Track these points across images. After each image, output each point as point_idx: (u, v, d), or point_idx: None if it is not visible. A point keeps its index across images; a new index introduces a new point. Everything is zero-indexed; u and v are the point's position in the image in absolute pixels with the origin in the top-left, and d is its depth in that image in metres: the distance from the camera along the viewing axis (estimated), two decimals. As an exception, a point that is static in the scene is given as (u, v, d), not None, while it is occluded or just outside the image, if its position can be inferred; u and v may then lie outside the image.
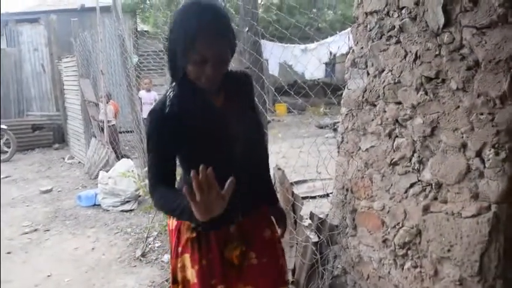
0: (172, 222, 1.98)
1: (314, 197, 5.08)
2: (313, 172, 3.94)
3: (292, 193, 3.11)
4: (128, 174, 5.67)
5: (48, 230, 5.43)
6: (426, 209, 2.28)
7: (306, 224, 2.96)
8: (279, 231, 2.17)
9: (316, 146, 3.24)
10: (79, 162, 9.47)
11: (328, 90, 3.20)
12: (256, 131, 2.02)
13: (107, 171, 6.34)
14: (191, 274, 1.90)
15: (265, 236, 2.06)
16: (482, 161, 2.04)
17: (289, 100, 8.40)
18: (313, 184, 5.40)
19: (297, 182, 5.36)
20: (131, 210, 5.85)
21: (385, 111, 2.46)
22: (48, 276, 4.15)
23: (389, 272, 2.54)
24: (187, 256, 1.91)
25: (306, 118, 13.47)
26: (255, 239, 1.99)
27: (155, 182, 1.79)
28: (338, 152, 2.83)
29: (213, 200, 1.43)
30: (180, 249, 1.93)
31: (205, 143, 1.76)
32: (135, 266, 4.22)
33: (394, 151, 2.43)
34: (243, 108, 1.93)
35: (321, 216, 2.93)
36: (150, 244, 4.54)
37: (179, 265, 1.94)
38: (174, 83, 1.80)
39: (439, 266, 2.25)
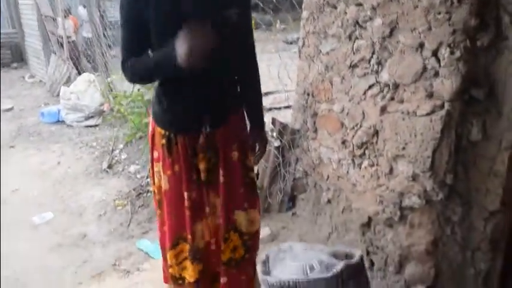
0: (149, 129, 1.99)
1: (279, 108, 5.13)
2: (279, 84, 3.97)
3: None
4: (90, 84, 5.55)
5: (12, 147, 5.38)
6: (383, 110, 2.33)
7: (268, 129, 3.01)
8: (254, 157, 2.12)
9: (282, 60, 3.23)
10: (40, 80, 9.21)
11: (296, 4, 3.14)
12: (243, 25, 1.88)
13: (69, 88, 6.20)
14: (164, 180, 1.92)
15: (232, 157, 1.95)
16: (438, 61, 2.08)
17: (257, 16, 8.20)
18: (279, 96, 5.43)
19: (264, 94, 5.37)
20: (96, 126, 5.81)
21: (345, 13, 2.44)
22: (16, 190, 4.17)
23: (347, 172, 2.64)
24: (160, 164, 1.93)
25: (273, 34, 13.22)
26: (222, 157, 1.93)
27: (127, 56, 1.75)
28: (299, 56, 2.83)
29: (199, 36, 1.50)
30: (155, 153, 1.95)
31: (176, 20, 1.64)
32: (102, 177, 4.27)
33: (353, 53, 2.44)
34: None
35: (282, 121, 2.97)
36: (116, 156, 4.56)
37: (156, 169, 1.97)
38: None
39: (394, 163, 2.35)
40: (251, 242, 1.96)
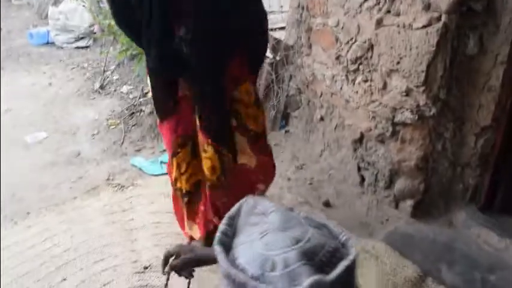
0: None
1: (274, 29, 5.03)
2: (275, 5, 3.86)
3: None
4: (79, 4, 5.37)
5: (2, 69, 5.27)
6: (379, 23, 2.28)
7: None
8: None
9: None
10: (28, 3, 8.89)
11: None
12: None
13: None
14: None
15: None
16: (436, -30, 2.01)
17: None
18: (274, 16, 5.30)
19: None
20: (86, 47, 5.67)
21: None
22: (7, 110, 4.13)
23: (341, 88, 2.62)
24: None
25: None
26: None
27: None
28: (294, -32, 2.73)
29: None
30: None
31: None
32: (94, 98, 4.22)
33: (350, -37, 2.35)
34: None
35: (276, 37, 2.92)
36: (108, 77, 4.49)
37: None
38: None
39: (388, 78, 2.33)
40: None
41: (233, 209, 0.77)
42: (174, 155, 2.05)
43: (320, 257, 0.65)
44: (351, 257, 0.65)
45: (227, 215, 0.76)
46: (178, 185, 2.11)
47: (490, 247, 2.28)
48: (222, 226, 0.74)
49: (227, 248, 0.72)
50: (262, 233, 0.69)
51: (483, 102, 2.21)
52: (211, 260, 1.26)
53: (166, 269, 1.31)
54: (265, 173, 2.14)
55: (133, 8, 1.79)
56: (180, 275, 1.33)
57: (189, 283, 1.41)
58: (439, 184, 2.45)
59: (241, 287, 0.65)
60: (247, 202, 0.76)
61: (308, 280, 0.61)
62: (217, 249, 0.71)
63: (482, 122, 2.25)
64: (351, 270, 0.65)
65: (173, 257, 1.32)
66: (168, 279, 1.35)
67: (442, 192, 2.48)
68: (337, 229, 0.71)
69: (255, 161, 2.03)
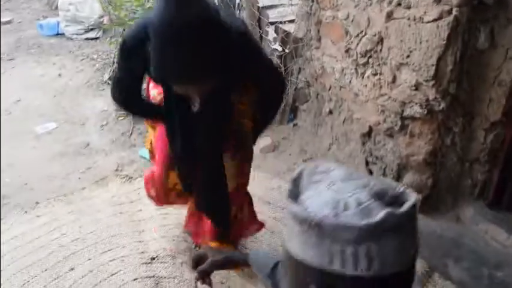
0: None
1: (283, 22, 5.01)
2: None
3: (258, 8, 3.04)
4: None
5: (12, 59, 5.30)
6: (389, 16, 2.26)
7: (271, 37, 2.95)
8: None
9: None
10: (38, -6, 8.94)
11: None
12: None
13: (67, -2, 6.01)
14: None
15: None
16: (448, -38, 1.98)
17: None
18: (284, 9, 5.28)
19: (268, 7, 5.22)
20: (96, 38, 5.69)
21: None
22: (17, 101, 4.16)
23: (350, 82, 2.61)
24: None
25: None
26: None
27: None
28: (304, -40, 2.72)
29: None
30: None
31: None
32: (103, 89, 4.24)
33: (361, -44, 2.33)
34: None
35: (286, 29, 2.90)
36: (117, 69, 4.50)
37: None
38: None
39: (398, 72, 2.31)
40: None
41: (295, 173, 0.79)
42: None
43: (388, 198, 0.69)
44: (414, 197, 0.69)
45: (291, 178, 0.78)
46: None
47: (498, 243, 2.27)
48: (288, 187, 0.76)
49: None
50: (329, 184, 0.71)
51: (493, 96, 2.19)
52: (239, 262, 1.29)
53: (195, 275, 1.31)
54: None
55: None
56: (204, 282, 1.34)
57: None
58: (447, 179, 2.44)
59: (317, 228, 0.67)
60: (307, 165, 0.78)
61: (382, 212, 0.64)
62: (288, 201, 0.72)
63: (492, 117, 2.23)
64: (416, 209, 0.69)
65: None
66: (196, 283, 1.35)
67: (450, 187, 2.46)
68: (393, 182, 0.74)
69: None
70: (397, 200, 0.70)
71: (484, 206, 2.42)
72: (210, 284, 1.35)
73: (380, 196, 0.69)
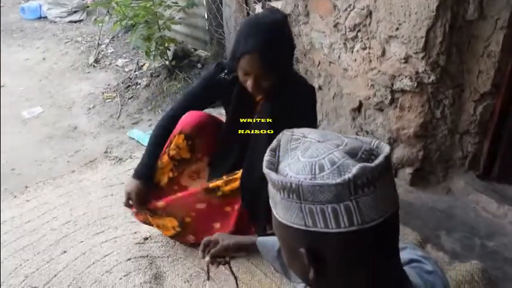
0: None
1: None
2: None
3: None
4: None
5: (-4, 44, 5.22)
6: (378, -12, 2.24)
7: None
8: None
9: None
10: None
11: None
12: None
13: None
14: None
15: None
16: None
17: None
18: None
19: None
20: (80, 21, 5.61)
21: None
22: (2, 86, 4.10)
23: (339, 57, 2.59)
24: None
25: None
26: None
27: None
28: None
29: None
30: None
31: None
32: (89, 72, 4.19)
33: None
34: (279, 120, 1.83)
35: (273, 5, 2.87)
36: (102, 51, 4.45)
37: None
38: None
39: (387, 45, 2.30)
40: None
41: (273, 143, 0.80)
42: None
43: (360, 155, 0.70)
44: (387, 149, 0.71)
45: (269, 148, 0.79)
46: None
47: (489, 214, 2.29)
48: (266, 158, 0.77)
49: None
50: (305, 149, 0.73)
51: (483, 68, 2.19)
52: (248, 246, 1.31)
53: (207, 258, 1.31)
54: None
55: None
56: (214, 263, 1.34)
57: (230, 268, 1.40)
58: (438, 152, 2.45)
59: (296, 192, 0.69)
60: (284, 133, 0.80)
61: (355, 167, 0.66)
62: (265, 171, 0.74)
63: (481, 89, 2.23)
64: (389, 161, 0.71)
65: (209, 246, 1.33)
66: (208, 267, 1.34)
67: (441, 159, 2.47)
68: (368, 138, 0.75)
69: None
70: (371, 155, 0.72)
71: (474, 177, 2.44)
72: (228, 263, 1.37)
73: (354, 153, 0.71)
